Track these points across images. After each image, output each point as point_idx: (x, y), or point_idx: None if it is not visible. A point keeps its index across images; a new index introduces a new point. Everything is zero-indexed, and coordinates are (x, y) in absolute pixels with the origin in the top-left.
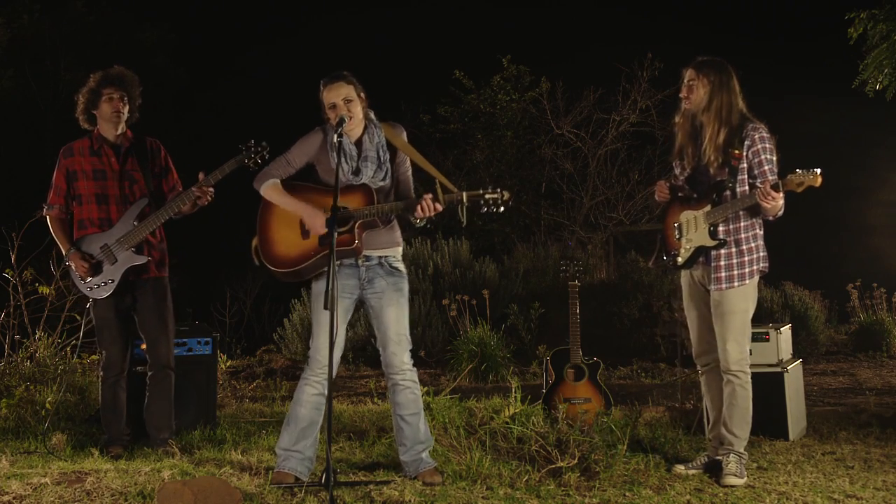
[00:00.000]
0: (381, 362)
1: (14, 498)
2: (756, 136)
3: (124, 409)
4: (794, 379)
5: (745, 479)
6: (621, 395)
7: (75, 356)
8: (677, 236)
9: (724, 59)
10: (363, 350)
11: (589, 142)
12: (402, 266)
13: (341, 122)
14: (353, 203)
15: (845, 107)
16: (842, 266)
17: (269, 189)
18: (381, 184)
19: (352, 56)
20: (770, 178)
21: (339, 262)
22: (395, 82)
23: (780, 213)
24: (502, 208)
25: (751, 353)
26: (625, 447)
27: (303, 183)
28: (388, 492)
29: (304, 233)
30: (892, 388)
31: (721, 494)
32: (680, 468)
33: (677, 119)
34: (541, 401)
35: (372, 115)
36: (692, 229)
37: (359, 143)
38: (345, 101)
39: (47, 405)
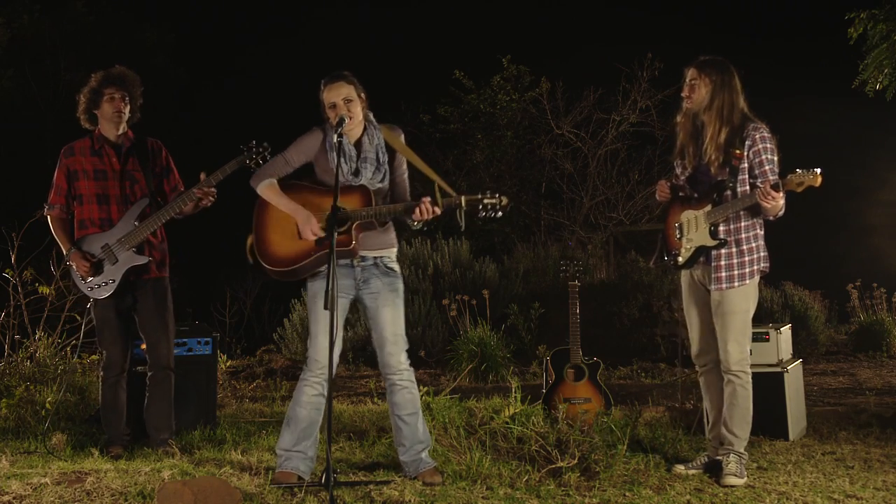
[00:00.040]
0: (378, 363)
1: (14, 498)
2: (757, 136)
3: (124, 409)
4: (795, 379)
5: (745, 479)
6: (621, 395)
7: (75, 356)
8: (678, 236)
9: (725, 58)
10: (363, 350)
11: (589, 142)
12: (397, 267)
13: (341, 122)
14: (350, 204)
15: (845, 107)
16: (842, 266)
17: (266, 188)
18: (379, 185)
19: (352, 56)
20: (770, 177)
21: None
22: (395, 82)
23: (781, 213)
24: (500, 214)
25: (751, 353)
26: (625, 447)
27: (300, 182)
28: (388, 492)
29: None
30: (892, 388)
31: (721, 494)
32: (680, 468)
33: (679, 118)
34: (541, 401)
35: (371, 117)
36: (693, 229)
37: (358, 144)
38: (345, 100)
39: (47, 405)
